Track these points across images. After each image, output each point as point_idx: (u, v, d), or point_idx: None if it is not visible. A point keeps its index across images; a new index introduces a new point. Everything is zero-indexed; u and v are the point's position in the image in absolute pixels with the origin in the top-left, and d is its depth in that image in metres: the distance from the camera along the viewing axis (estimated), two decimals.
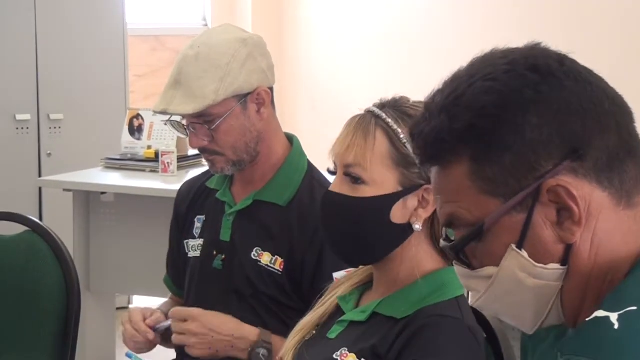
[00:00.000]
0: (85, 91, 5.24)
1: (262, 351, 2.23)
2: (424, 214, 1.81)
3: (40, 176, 4.95)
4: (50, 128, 5.13)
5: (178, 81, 2.31)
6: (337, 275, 2.11)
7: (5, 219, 2.57)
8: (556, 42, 1.26)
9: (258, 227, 2.34)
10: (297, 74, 6.66)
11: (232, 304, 2.32)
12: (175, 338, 2.27)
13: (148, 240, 4.01)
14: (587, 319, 1.14)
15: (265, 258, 2.32)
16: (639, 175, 1.20)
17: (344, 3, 6.51)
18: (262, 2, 6.79)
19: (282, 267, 2.31)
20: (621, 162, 1.19)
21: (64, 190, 4.17)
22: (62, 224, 3.91)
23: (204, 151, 2.37)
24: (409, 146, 1.76)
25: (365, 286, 1.91)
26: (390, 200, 1.80)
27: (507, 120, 1.17)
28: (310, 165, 2.42)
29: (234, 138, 2.32)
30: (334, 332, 1.85)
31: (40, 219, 4.27)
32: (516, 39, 1.34)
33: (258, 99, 2.34)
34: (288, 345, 1.90)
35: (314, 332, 1.90)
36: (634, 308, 1.12)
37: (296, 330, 1.92)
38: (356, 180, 1.80)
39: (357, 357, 1.77)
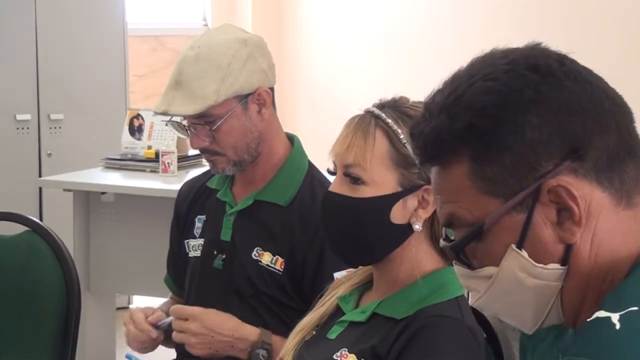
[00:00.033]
0: (86, 91, 5.24)
1: (261, 352, 2.22)
2: (424, 214, 1.81)
3: (40, 176, 4.95)
4: (50, 128, 5.13)
5: (179, 82, 2.31)
6: (338, 275, 2.10)
7: (5, 219, 2.57)
8: (556, 42, 1.26)
9: (259, 227, 2.34)
10: (297, 74, 6.65)
11: (233, 304, 2.32)
12: (175, 336, 2.27)
13: (148, 240, 4.01)
14: (588, 320, 1.14)
15: (266, 258, 2.32)
16: (639, 175, 1.20)
17: (344, 3, 6.51)
18: (262, 2, 6.79)
19: (282, 267, 2.30)
20: (621, 162, 1.18)
21: (64, 190, 4.17)
22: (62, 224, 3.91)
23: (205, 151, 2.37)
24: (408, 146, 1.76)
25: (365, 286, 1.91)
26: (390, 200, 1.79)
27: (507, 120, 1.17)
28: (311, 165, 2.42)
29: (235, 138, 2.32)
30: (333, 333, 1.85)
31: (41, 219, 4.26)
32: (516, 39, 1.34)
33: (259, 99, 2.34)
34: (288, 346, 1.90)
35: (314, 332, 1.90)
36: (635, 308, 1.12)
37: (296, 330, 1.92)
38: (356, 180, 1.80)
39: (357, 358, 1.77)
